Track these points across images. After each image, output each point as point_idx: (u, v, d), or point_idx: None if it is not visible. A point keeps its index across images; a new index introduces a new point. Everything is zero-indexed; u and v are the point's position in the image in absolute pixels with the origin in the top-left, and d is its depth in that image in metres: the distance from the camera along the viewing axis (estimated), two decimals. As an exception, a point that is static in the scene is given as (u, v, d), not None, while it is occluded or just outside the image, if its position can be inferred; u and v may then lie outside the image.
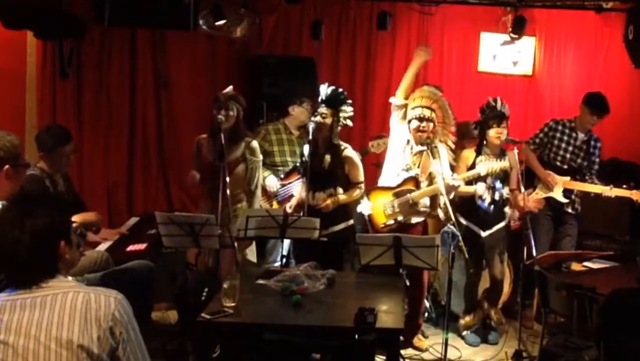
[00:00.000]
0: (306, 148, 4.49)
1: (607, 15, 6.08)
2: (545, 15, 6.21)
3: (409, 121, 4.42)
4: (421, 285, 4.61)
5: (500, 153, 4.67)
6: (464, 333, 4.85)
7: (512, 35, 5.89)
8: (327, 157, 4.37)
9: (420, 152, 4.42)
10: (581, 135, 5.09)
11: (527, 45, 6.27)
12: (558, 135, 5.11)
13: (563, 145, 5.10)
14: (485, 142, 4.70)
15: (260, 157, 4.56)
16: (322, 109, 4.34)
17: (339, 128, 4.42)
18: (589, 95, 5.09)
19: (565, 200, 5.04)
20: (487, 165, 4.52)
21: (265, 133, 5.29)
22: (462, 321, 4.87)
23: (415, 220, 4.46)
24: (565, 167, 5.08)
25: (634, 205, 5.27)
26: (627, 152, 5.92)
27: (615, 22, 6.05)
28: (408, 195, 4.41)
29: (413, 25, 6.34)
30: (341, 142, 4.45)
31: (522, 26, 5.71)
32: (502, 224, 4.72)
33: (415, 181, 4.44)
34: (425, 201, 4.47)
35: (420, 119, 4.35)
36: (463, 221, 4.68)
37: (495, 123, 4.60)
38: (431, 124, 4.37)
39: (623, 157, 5.89)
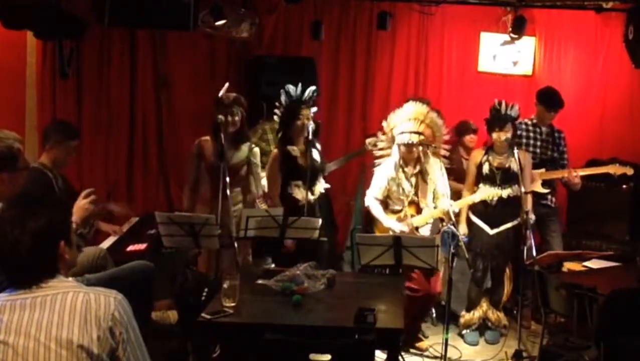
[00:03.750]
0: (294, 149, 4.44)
1: (607, 15, 6.08)
2: (545, 15, 6.20)
3: (398, 145, 4.47)
4: (427, 310, 4.69)
5: (509, 152, 4.67)
6: (464, 331, 4.86)
7: (512, 35, 5.89)
8: (313, 153, 4.39)
9: (415, 175, 4.51)
10: (544, 129, 5.26)
11: (527, 45, 6.26)
12: (524, 133, 5.23)
13: (531, 141, 5.22)
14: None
15: (259, 162, 4.58)
16: (306, 111, 4.32)
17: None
18: (541, 94, 5.26)
19: (546, 190, 5.12)
20: (485, 191, 4.61)
21: (262, 133, 5.30)
22: (461, 320, 4.87)
23: None
24: (538, 161, 5.18)
25: (634, 205, 5.30)
26: (628, 152, 5.91)
27: (615, 22, 6.05)
28: (409, 220, 4.50)
29: (413, 25, 6.33)
30: None
31: (522, 26, 5.71)
32: (510, 224, 4.73)
33: (416, 206, 4.54)
34: (427, 225, 4.54)
35: (409, 146, 4.40)
36: (472, 217, 4.75)
37: (497, 127, 4.65)
38: (419, 148, 4.42)
39: (623, 157, 5.88)
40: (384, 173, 4.57)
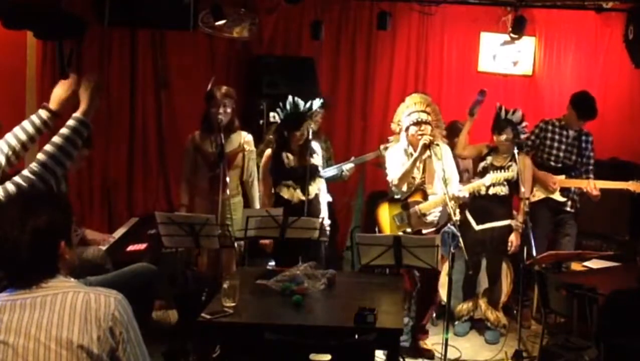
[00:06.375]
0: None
1: (607, 15, 6.08)
2: (545, 15, 6.20)
3: (407, 128, 4.47)
4: (434, 290, 4.61)
5: (511, 156, 4.74)
6: (456, 323, 4.87)
7: (512, 35, 5.89)
8: (310, 153, 4.44)
9: (423, 161, 4.46)
10: (572, 132, 5.11)
11: (527, 45, 6.26)
12: (549, 135, 5.13)
13: (555, 144, 5.11)
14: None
15: (254, 148, 4.72)
16: (308, 122, 4.40)
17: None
18: (576, 99, 5.04)
19: (563, 199, 5.06)
20: (492, 175, 4.60)
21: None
22: (455, 311, 4.88)
23: (425, 231, 4.47)
24: (560, 165, 5.09)
25: (634, 205, 5.27)
26: (628, 152, 5.92)
27: (615, 22, 6.05)
28: (416, 207, 4.46)
29: (413, 25, 6.33)
30: None
31: (522, 26, 5.71)
32: (501, 223, 4.75)
33: (423, 193, 4.50)
34: (434, 212, 4.50)
35: (418, 123, 4.41)
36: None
37: (496, 131, 4.79)
38: (429, 127, 4.41)
39: (623, 156, 5.89)
40: (398, 159, 4.55)
